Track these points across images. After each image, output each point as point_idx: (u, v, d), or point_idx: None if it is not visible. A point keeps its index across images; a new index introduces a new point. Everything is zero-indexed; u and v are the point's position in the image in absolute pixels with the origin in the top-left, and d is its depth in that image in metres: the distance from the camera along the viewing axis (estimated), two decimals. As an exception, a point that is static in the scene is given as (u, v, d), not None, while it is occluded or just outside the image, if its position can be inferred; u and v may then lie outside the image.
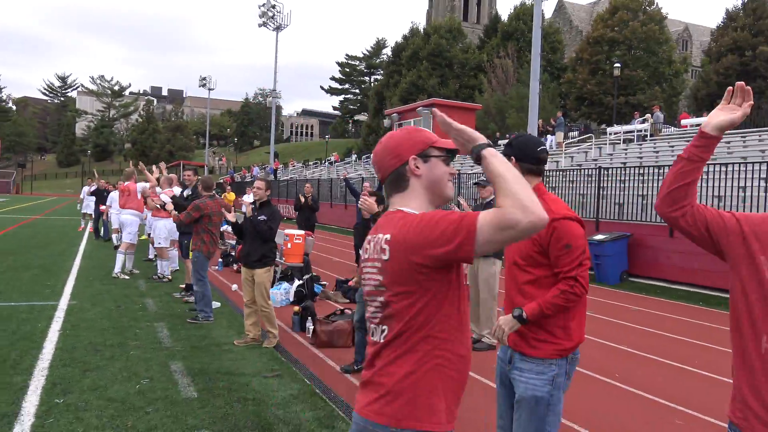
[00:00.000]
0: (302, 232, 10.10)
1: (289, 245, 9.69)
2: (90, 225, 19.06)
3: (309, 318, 7.12)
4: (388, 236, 1.77)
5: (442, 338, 1.77)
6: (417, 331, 1.74)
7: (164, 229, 10.06)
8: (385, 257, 1.76)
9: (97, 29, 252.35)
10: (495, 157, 1.68)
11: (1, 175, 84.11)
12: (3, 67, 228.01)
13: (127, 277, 10.54)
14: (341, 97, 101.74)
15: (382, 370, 1.79)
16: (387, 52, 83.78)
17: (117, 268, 10.63)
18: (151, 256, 12.49)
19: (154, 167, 10.84)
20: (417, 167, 1.85)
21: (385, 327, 1.80)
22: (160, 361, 5.80)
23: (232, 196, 22.70)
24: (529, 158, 2.71)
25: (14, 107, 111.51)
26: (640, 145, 22.08)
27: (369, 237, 1.91)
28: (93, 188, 18.25)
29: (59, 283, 9.87)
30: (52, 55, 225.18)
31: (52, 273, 10.85)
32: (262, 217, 6.41)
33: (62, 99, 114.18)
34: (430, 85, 54.50)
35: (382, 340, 1.80)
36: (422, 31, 62.25)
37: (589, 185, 14.90)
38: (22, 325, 6.94)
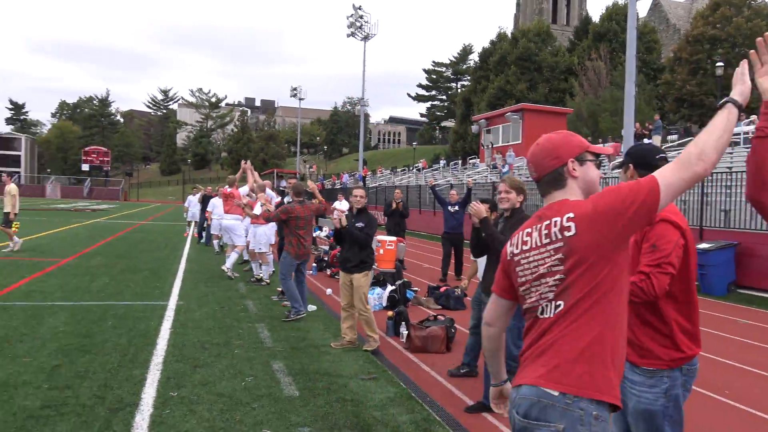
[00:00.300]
0: (394, 238, 10.24)
1: (381, 251, 9.86)
2: (194, 230, 20.13)
3: (403, 323, 7.23)
4: (570, 215, 1.89)
5: (616, 314, 1.85)
6: (596, 303, 1.83)
7: (264, 236, 10.51)
8: (570, 233, 1.87)
9: (196, 44, 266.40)
10: (729, 115, 1.86)
11: (112, 184, 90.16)
12: (112, 83, 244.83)
13: (231, 277, 11.11)
14: (428, 104, 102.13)
15: (560, 340, 1.86)
16: (474, 57, 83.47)
17: (228, 263, 11.32)
18: (246, 258, 13.04)
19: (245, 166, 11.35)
20: (574, 169, 2.00)
21: (560, 302, 1.88)
22: (263, 360, 6.07)
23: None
24: (649, 166, 2.67)
25: (122, 120, 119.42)
26: (747, 148, 20.82)
27: (528, 229, 2.02)
28: (198, 196, 19.31)
29: (167, 284, 10.51)
30: (155, 70, 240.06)
31: (160, 275, 11.56)
32: (359, 224, 6.59)
33: (164, 111, 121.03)
34: (519, 89, 53.68)
35: (555, 315, 1.89)
36: (510, 35, 61.45)
37: (692, 191, 14.19)
38: (137, 323, 7.45)
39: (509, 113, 38.76)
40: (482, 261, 5.50)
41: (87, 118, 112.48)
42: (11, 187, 14.49)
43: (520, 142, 37.70)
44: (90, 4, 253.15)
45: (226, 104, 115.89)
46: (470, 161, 42.23)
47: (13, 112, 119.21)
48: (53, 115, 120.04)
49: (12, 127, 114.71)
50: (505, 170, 27.04)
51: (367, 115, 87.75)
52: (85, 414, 4.45)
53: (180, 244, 18.14)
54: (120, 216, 35.46)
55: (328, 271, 12.39)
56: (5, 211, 14.23)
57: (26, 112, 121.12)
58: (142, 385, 5.16)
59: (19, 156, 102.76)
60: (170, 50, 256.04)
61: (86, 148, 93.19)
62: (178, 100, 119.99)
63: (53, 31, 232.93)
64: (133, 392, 4.97)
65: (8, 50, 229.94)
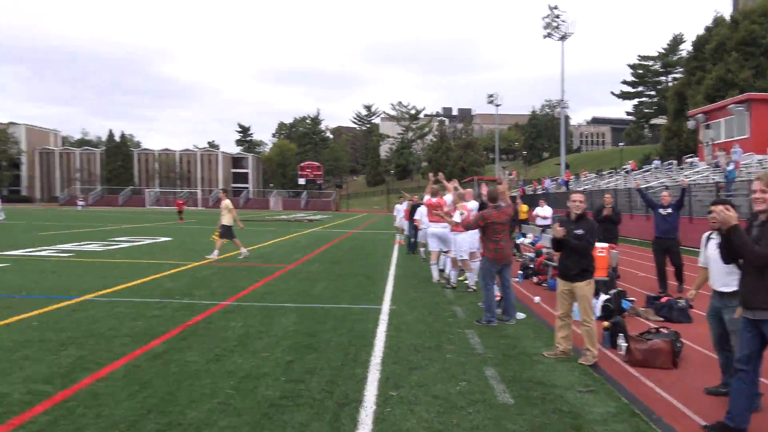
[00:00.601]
0: (606, 244, 9.72)
1: (592, 258, 9.41)
2: (402, 238, 20.97)
3: (620, 334, 6.82)
4: None
5: None
6: None
7: (464, 243, 10.62)
8: None
9: (395, 60, 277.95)
10: None
11: (324, 195, 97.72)
12: (321, 102, 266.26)
13: (452, 284, 11.38)
14: (634, 101, 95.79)
15: None
16: (686, 47, 76.53)
17: (447, 270, 11.78)
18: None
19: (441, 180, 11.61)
20: None
21: None
22: (475, 365, 6.12)
23: (525, 208, 22.91)
24: None
25: (331, 136, 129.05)
26: None
27: None
28: (405, 205, 20.10)
29: (379, 289, 11.07)
30: (358, 87, 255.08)
31: (373, 280, 12.22)
32: (579, 231, 6.35)
33: (368, 126, 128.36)
34: (742, 78, 47.88)
35: None
36: (729, 18, 55.17)
37: None
38: (355, 324, 7.96)
39: (732, 105, 34.81)
40: (721, 268, 4.94)
41: (301, 136, 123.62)
42: (227, 203, 16.33)
43: (747, 136, 33.65)
44: (301, 34, 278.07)
45: (425, 115, 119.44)
46: (687, 160, 38.60)
47: (241, 134, 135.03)
48: (273, 135, 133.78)
49: (241, 147, 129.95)
50: (730, 168, 24.30)
51: (567, 117, 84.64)
52: (317, 406, 4.85)
53: (389, 251, 19.02)
54: (333, 225, 38.16)
55: (535, 279, 12.14)
56: (223, 224, 16.02)
57: (251, 133, 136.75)
58: (363, 383, 5.48)
59: (247, 173, 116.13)
60: (371, 67, 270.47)
61: (302, 164, 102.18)
62: (380, 114, 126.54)
63: (271, 61, 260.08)
64: (356, 389, 5.30)
65: (237, 81, 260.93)
